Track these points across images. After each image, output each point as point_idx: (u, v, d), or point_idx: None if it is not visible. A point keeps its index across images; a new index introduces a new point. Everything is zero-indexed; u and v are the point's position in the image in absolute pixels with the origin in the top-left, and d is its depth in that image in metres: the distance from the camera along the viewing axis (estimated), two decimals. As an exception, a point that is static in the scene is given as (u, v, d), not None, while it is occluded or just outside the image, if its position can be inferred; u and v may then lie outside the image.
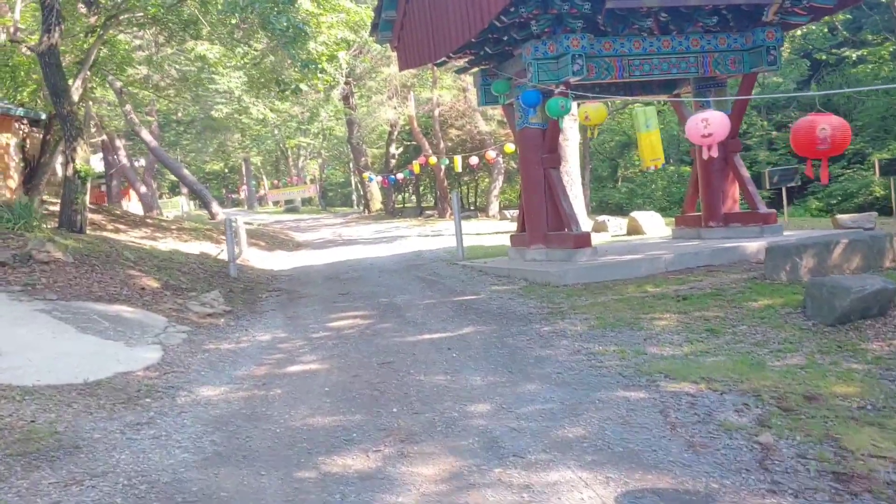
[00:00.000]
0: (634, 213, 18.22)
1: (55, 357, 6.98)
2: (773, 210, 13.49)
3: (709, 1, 11.52)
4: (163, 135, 51.28)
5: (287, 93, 13.65)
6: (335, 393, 6.13)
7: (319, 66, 12.87)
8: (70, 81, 15.22)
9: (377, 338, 8.31)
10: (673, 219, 21.04)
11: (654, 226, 17.55)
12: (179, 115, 48.85)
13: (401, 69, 16.13)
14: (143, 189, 33.73)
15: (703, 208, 13.97)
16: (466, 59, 14.19)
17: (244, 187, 63.22)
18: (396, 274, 14.13)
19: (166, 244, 16.94)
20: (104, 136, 35.38)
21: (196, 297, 10.57)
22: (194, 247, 17.39)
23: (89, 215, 18.44)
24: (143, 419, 5.63)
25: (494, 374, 6.32)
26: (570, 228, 12.05)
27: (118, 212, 21.41)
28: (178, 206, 54.44)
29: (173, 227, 20.57)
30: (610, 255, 12.35)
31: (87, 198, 15.12)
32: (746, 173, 13.37)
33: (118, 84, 26.28)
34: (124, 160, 33.99)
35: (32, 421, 5.41)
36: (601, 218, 19.82)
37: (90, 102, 22.89)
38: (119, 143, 33.67)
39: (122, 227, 18.35)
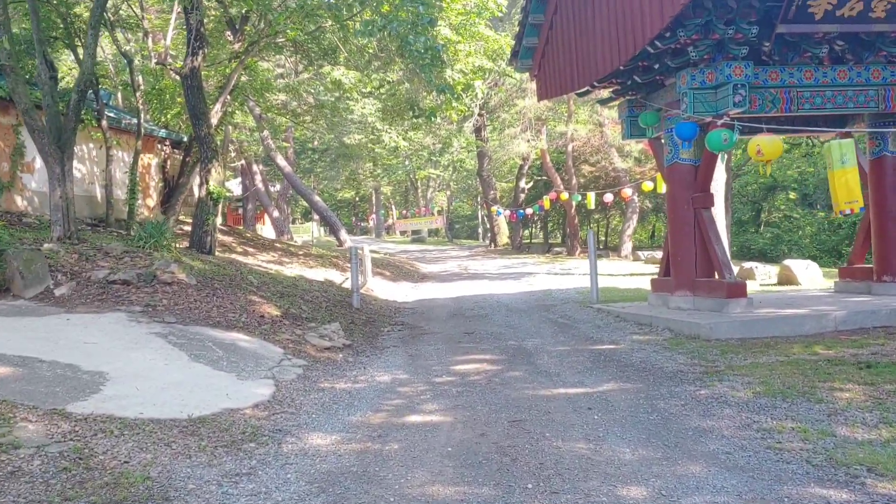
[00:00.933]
0: (788, 262, 16.62)
1: (163, 387, 6.52)
2: (965, 266, 11.81)
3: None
4: (298, 161, 52.76)
5: (420, 119, 13.11)
6: (459, 455, 5.32)
7: (455, 92, 12.27)
8: (210, 105, 15.38)
9: (506, 388, 7.46)
10: (833, 270, 19.27)
11: (811, 276, 15.91)
12: (316, 143, 50.14)
13: (539, 99, 15.38)
14: (275, 213, 34.42)
15: (875, 260, 12.40)
16: (612, 90, 13.28)
17: (373, 216, 64.14)
18: (525, 314, 13.26)
19: (292, 269, 16.77)
20: (243, 161, 36.62)
21: (316, 328, 10.08)
22: (319, 274, 17.15)
23: (221, 237, 18.65)
24: (244, 468, 5.01)
25: (647, 447, 5.34)
26: (723, 276, 10.85)
27: (249, 235, 21.63)
28: (308, 231, 55.61)
29: (301, 252, 20.53)
30: (766, 307, 11.03)
31: (219, 219, 15.13)
32: (931, 223, 11.75)
33: (257, 110, 26.95)
34: (260, 185, 34.90)
35: (126, 461, 4.88)
36: (748, 265, 18.29)
37: (229, 127, 23.45)
38: (256, 167, 34.63)
39: (251, 250, 18.39)
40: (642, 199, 30.07)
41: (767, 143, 9.05)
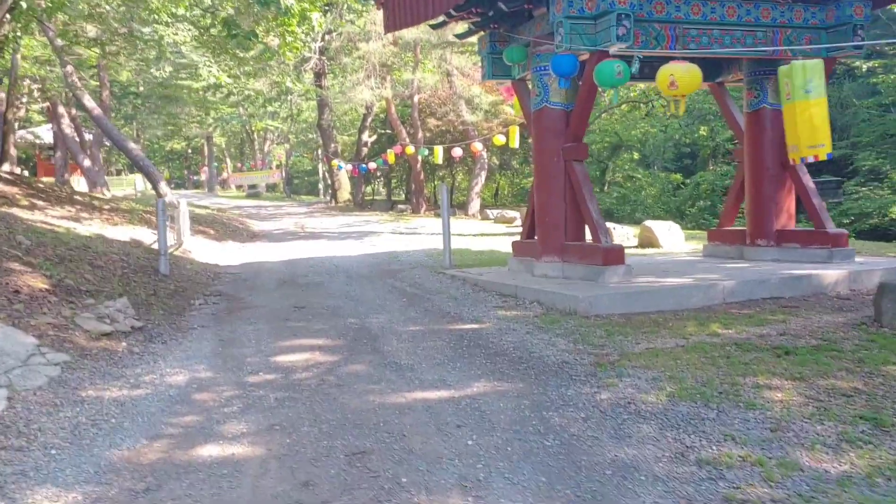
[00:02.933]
0: (649, 223, 15.60)
1: None
2: (844, 230, 11.00)
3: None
4: (119, 107, 47.84)
5: (239, 39, 10.69)
6: (267, 527, 3.38)
7: (276, 3, 9.96)
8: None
9: (344, 392, 5.55)
10: (694, 232, 18.62)
11: (673, 238, 14.96)
12: (141, 88, 45.47)
13: (386, 31, 13.29)
14: (87, 163, 30.42)
15: (748, 222, 11.42)
16: (471, 21, 11.44)
17: (205, 169, 59.68)
18: (368, 282, 11.36)
19: (90, 227, 13.95)
20: (47, 103, 32.18)
21: (95, 305, 7.70)
22: (125, 232, 14.42)
23: (3, 187, 15.48)
24: None
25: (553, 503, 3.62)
26: (598, 239, 9.37)
27: (42, 185, 18.31)
28: (132, 184, 50.75)
29: (107, 207, 17.53)
30: (643, 275, 9.70)
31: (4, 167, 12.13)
32: (811, 183, 10.82)
33: (60, 42, 23.12)
34: (67, 129, 30.72)
35: None
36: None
37: (18, 57, 19.79)
38: (62, 110, 30.40)
39: (41, 203, 15.30)
40: (489, 156, 28.76)
41: (683, 73, 7.49)
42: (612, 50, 8.68)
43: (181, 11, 12.62)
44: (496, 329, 7.61)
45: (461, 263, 12.71)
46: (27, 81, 31.93)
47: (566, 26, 8.81)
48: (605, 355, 6.35)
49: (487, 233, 20.12)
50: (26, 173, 43.20)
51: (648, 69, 10.17)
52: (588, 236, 10.14)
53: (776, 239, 11.00)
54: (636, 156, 36.72)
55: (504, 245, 16.26)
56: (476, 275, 10.87)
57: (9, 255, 8.64)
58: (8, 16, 14.87)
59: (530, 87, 10.56)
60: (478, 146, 22.35)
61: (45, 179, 36.12)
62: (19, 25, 15.37)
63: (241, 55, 15.00)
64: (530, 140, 11.24)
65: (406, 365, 6.29)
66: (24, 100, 37.03)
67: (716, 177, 27.78)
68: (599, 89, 9.55)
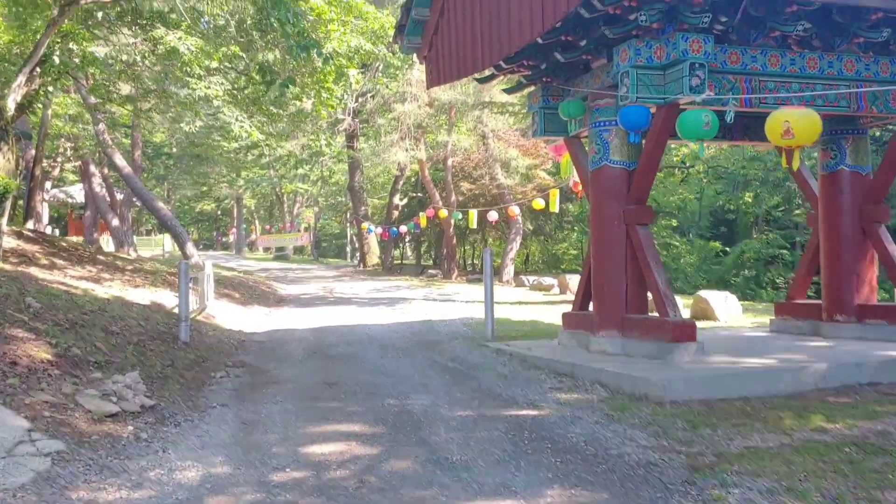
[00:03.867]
0: (704, 293, 14.52)
1: None
2: (938, 306, 9.91)
3: (885, 4, 8.05)
4: (150, 167, 47.97)
5: (275, 88, 9.99)
6: None
7: (317, 48, 9.27)
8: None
9: (389, 501, 4.55)
10: (750, 304, 17.46)
11: (730, 310, 13.85)
12: (175, 149, 45.55)
13: (429, 86, 12.57)
14: (115, 222, 30.06)
15: (824, 295, 10.33)
16: (522, 74, 10.67)
17: (234, 230, 59.48)
18: (405, 355, 10.38)
19: (109, 289, 13.17)
20: (79, 162, 32.05)
21: (102, 379, 6.79)
22: (146, 295, 13.62)
23: (22, 245, 14.83)
24: None
25: None
26: (666, 312, 8.37)
27: (65, 244, 17.69)
28: (160, 244, 50.43)
29: (130, 267, 16.80)
30: (717, 354, 8.63)
31: (4, 220, 11.44)
32: (896, 251, 9.77)
33: (92, 99, 22.90)
34: (98, 188, 30.48)
35: None
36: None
37: (49, 112, 19.47)
38: (94, 168, 30.22)
39: (61, 262, 14.59)
40: (526, 220, 27.91)
41: (800, 119, 6.53)
42: (700, 98, 7.77)
43: (214, 64, 12.04)
44: (559, 417, 6.57)
45: (503, 335, 11.72)
46: (62, 140, 31.98)
47: (633, 77, 7.99)
48: (697, 455, 5.30)
49: (525, 301, 19.10)
50: (57, 232, 43.18)
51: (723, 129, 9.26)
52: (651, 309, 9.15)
53: (857, 314, 9.90)
54: (674, 223, 35.68)
55: (545, 314, 15.26)
56: (524, 349, 9.85)
57: (13, 321, 7.81)
58: (38, 69, 14.48)
59: (587, 145, 9.71)
60: (515, 210, 21.51)
61: (72, 238, 35.92)
62: (49, 80, 14.93)
63: (275, 111, 14.40)
64: (577, 202, 10.32)
65: (459, 463, 5.28)
66: (59, 159, 37.14)
67: (761, 245, 26.67)
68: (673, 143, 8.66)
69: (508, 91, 12.23)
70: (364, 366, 9.51)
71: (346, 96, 18.00)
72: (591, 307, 9.86)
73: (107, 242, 32.67)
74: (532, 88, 10.84)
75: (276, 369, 9.43)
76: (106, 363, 7.54)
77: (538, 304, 18.20)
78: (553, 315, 15.39)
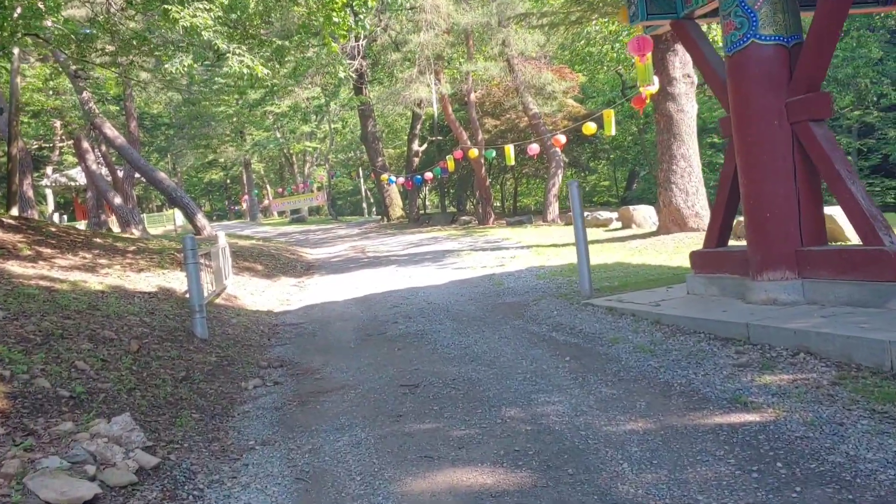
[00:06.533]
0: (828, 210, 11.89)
1: None
2: None
3: None
4: (151, 140, 45.43)
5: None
6: None
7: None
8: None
9: None
10: None
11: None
12: (173, 118, 42.92)
13: None
14: (117, 200, 27.65)
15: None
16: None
17: (246, 197, 57.00)
18: (488, 327, 7.95)
19: (107, 278, 10.79)
20: (71, 140, 29.66)
21: (74, 432, 4.38)
22: (150, 280, 11.25)
23: (2, 235, 12.51)
24: None
25: None
26: (878, 238, 5.86)
27: (54, 228, 15.28)
28: (171, 220, 48.11)
29: (132, 248, 14.41)
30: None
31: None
32: None
33: (72, 67, 20.32)
34: (93, 165, 28.05)
35: None
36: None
37: (17, 81, 16.94)
38: (87, 145, 27.76)
39: (47, 251, 12.22)
40: (571, 151, 25.28)
41: None
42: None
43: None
44: (799, 423, 4.12)
45: (597, 286, 9.31)
46: (49, 119, 29.51)
47: None
48: None
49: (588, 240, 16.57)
50: (65, 218, 40.99)
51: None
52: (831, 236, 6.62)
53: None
54: (718, 139, 32.83)
55: (623, 254, 12.85)
56: (647, 305, 7.41)
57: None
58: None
59: (720, 21, 7.06)
60: (561, 139, 18.84)
61: (79, 224, 33.70)
62: (4, 35, 12.39)
63: (279, 42, 11.79)
64: (639, 119, 7.70)
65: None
66: (56, 141, 34.72)
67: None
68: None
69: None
70: (442, 350, 7.09)
71: (360, 19, 15.23)
72: (729, 242, 7.36)
73: (114, 223, 30.38)
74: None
75: (325, 366, 7.05)
76: (87, 396, 5.15)
77: (605, 242, 15.70)
78: (634, 254, 12.94)
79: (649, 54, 9.76)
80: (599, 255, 13.13)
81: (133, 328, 7.72)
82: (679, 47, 14.79)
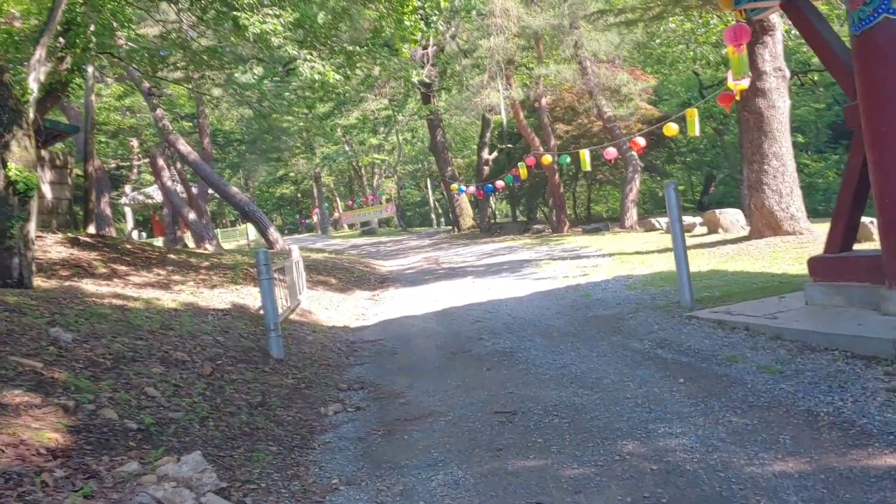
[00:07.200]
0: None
1: None
2: None
3: None
4: (224, 156, 46.08)
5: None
6: None
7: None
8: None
9: None
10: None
11: None
12: (245, 134, 43.39)
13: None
14: (191, 216, 27.93)
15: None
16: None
17: (317, 211, 57.38)
18: (583, 344, 7.30)
19: (179, 295, 10.54)
20: (147, 159, 30.21)
21: (139, 474, 3.93)
22: (224, 297, 10.96)
23: (77, 253, 12.42)
24: None
25: None
26: None
27: (129, 246, 15.24)
28: (244, 234, 48.66)
29: (205, 264, 14.22)
30: None
31: (32, 225, 8.83)
32: None
33: (146, 84, 20.50)
34: (168, 182, 28.46)
35: None
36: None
37: (92, 98, 17.02)
38: (162, 162, 28.19)
39: (122, 268, 12.08)
40: (649, 154, 24.37)
41: None
42: None
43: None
44: None
45: (700, 298, 8.57)
46: (126, 138, 30.02)
47: None
48: None
49: (663, 248, 15.74)
50: (144, 235, 41.92)
51: None
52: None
53: None
54: (801, 138, 31.33)
55: (717, 262, 12.02)
56: (762, 318, 6.66)
57: (17, 374, 5.06)
58: (62, 40, 11.93)
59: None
60: (640, 141, 18.02)
61: (156, 241, 34.24)
62: (78, 53, 12.33)
63: (350, 48, 11.42)
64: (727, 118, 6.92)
65: None
66: (133, 160, 35.45)
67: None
68: None
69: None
70: (536, 371, 6.48)
71: (433, 21, 14.77)
72: (856, 247, 6.56)
73: (190, 239, 30.76)
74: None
75: (409, 388, 6.51)
76: (156, 428, 4.72)
77: (694, 248, 14.82)
78: (727, 261, 12.08)
79: (745, 45, 8.98)
80: (691, 263, 12.25)
81: (206, 349, 7.34)
82: (769, 39, 13.90)
